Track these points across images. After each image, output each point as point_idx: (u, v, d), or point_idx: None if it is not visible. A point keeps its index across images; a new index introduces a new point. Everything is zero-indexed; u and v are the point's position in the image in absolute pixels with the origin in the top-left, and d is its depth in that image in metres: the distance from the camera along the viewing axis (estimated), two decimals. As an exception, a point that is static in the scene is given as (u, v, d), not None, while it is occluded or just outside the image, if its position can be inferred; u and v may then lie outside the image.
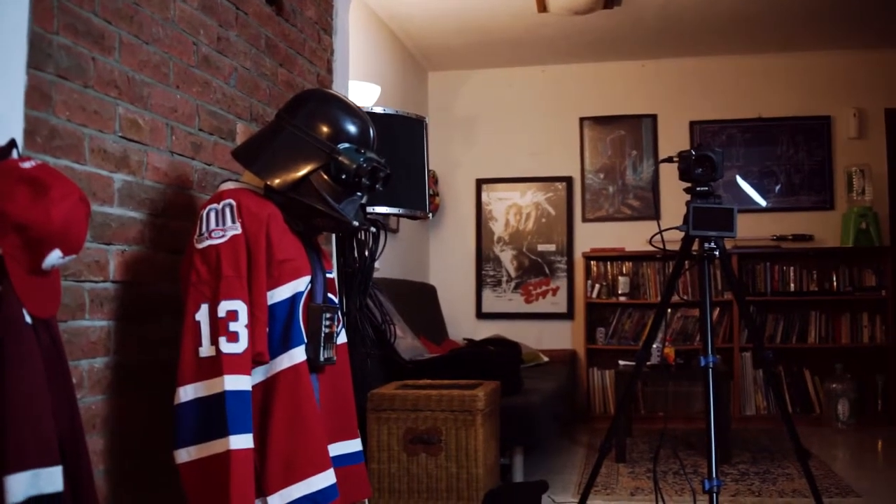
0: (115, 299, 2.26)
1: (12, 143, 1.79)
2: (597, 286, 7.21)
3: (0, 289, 1.66)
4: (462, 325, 7.47)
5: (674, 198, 6.49)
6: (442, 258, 7.71)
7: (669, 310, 6.82)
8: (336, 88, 3.75)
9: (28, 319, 1.68)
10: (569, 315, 7.48)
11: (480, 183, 7.68)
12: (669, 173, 6.76)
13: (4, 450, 1.58)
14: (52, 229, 1.69)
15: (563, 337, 7.44)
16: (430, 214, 3.15)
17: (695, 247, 3.36)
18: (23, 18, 1.91)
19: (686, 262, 3.40)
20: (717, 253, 3.29)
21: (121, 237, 2.30)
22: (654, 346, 5.61)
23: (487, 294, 7.61)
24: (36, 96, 1.96)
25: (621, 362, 6.08)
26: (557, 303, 7.50)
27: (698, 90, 7.38)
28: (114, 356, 2.25)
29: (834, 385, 6.62)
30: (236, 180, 2.37)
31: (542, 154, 7.59)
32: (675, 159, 3.38)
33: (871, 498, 4.39)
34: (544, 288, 7.53)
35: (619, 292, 7.18)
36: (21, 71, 1.90)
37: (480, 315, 7.60)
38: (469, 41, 6.93)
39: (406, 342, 5.17)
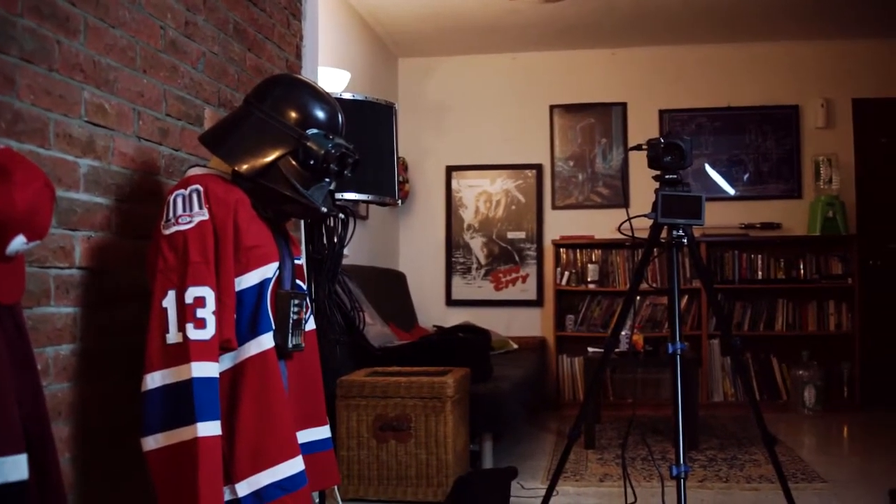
0: (80, 285, 2.24)
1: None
2: (566, 273, 7.23)
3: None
4: (432, 312, 7.48)
5: (643, 186, 6.48)
6: (412, 245, 7.71)
7: (638, 297, 6.86)
8: (305, 74, 3.73)
9: (-9, 306, 1.67)
10: (538, 302, 7.51)
11: (450, 170, 7.68)
12: (639, 161, 6.73)
13: (-32, 437, 1.57)
14: (16, 214, 1.67)
15: (532, 324, 7.47)
16: (400, 201, 3.15)
17: (663, 234, 3.38)
18: (-14, 0, 1.88)
19: (655, 249, 3.42)
20: (685, 241, 3.31)
21: (87, 223, 2.28)
22: (623, 333, 5.64)
23: (457, 281, 7.62)
24: (-1, 79, 1.94)
25: (590, 349, 6.12)
26: (527, 290, 7.53)
27: (668, 79, 7.41)
28: (80, 343, 2.24)
29: (800, 372, 6.70)
30: (203, 166, 2.36)
31: (512, 141, 7.60)
32: (645, 147, 3.40)
33: (836, 482, 4.45)
34: (514, 275, 7.55)
35: (589, 280, 7.21)
36: (-16, 54, 1.88)
37: (450, 302, 7.62)
38: (439, 27, 6.92)
39: (375, 329, 5.17)
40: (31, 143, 2.06)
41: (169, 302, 2.05)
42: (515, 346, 6.84)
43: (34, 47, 2.06)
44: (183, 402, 2.00)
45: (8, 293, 1.74)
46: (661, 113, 7.41)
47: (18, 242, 1.70)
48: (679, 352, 3.19)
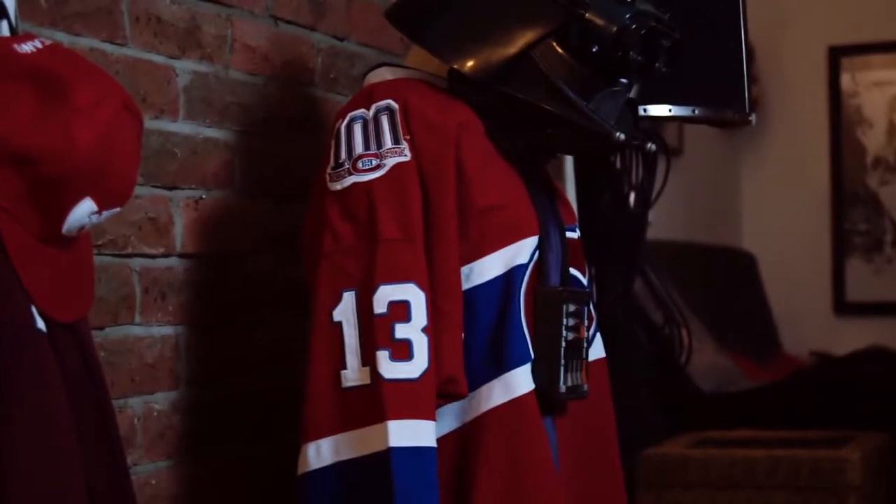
0: (185, 287, 2.32)
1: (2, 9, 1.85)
2: None
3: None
4: (808, 325, 7.38)
5: None
6: (764, 201, 7.63)
7: None
8: None
9: (40, 324, 1.73)
10: None
11: (837, 54, 7.56)
12: None
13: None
14: (78, 162, 1.72)
15: None
16: (753, 117, 3.11)
17: None
18: None
19: None
20: None
21: (193, 175, 2.35)
22: None
23: (856, 267, 7.50)
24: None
25: None
26: None
27: None
28: (186, 389, 2.32)
29: None
30: (396, 65, 2.39)
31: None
32: None
33: None
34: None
35: None
36: None
37: (842, 307, 7.51)
38: None
39: (705, 359, 5.15)
40: (90, 35, 2.14)
41: (344, 312, 2.08)
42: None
43: None
44: (375, 492, 2.04)
45: (67, 302, 1.79)
46: None
47: (83, 211, 1.74)
48: None
